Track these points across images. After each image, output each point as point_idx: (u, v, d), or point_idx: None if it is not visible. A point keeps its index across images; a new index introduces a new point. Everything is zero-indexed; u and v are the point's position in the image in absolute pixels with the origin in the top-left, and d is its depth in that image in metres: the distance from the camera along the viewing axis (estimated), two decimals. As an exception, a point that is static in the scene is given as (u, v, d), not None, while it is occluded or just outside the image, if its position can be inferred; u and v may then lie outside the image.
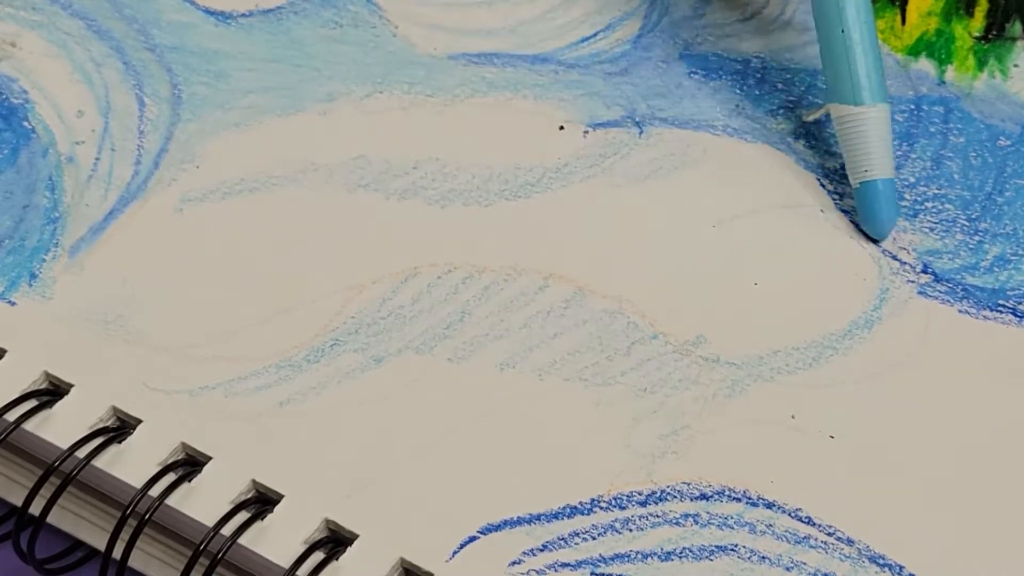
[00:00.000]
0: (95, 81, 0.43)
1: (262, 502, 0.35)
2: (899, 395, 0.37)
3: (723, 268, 0.40)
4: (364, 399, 0.37)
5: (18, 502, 0.36)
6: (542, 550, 0.34)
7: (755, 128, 0.43)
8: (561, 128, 0.42)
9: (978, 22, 0.45)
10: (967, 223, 0.41)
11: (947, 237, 0.41)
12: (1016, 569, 0.34)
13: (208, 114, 0.42)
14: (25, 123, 0.42)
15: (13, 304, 0.38)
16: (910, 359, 0.38)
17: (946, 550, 0.35)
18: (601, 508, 0.35)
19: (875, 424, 0.37)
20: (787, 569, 0.34)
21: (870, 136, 0.40)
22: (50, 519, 0.35)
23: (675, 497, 0.35)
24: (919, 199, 0.41)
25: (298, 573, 0.33)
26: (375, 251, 0.40)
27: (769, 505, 0.35)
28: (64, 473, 0.35)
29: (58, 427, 0.36)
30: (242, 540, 0.34)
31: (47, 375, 0.37)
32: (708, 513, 0.35)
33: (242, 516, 0.34)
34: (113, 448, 0.35)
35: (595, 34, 0.45)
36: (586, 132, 0.42)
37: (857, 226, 0.41)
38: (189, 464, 0.35)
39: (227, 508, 0.34)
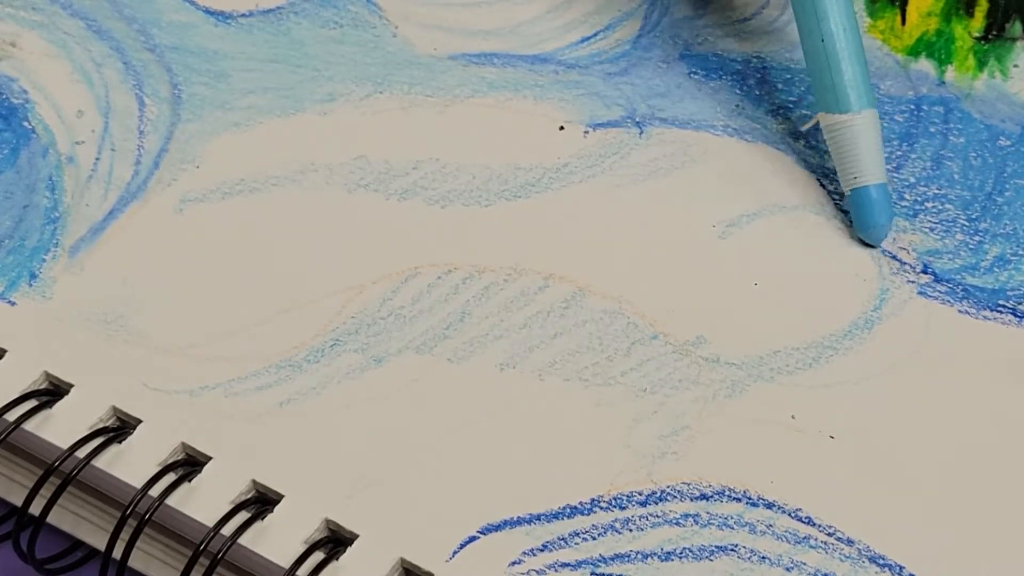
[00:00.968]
0: (95, 81, 0.43)
1: (262, 502, 0.35)
2: (899, 395, 0.37)
3: (723, 268, 0.40)
4: (364, 399, 0.37)
5: (18, 502, 0.36)
6: (542, 550, 0.34)
7: (755, 128, 0.43)
8: (561, 128, 0.42)
9: (978, 22, 0.45)
10: (967, 223, 0.41)
11: (947, 237, 0.41)
12: (1016, 569, 0.34)
13: (208, 114, 0.42)
14: (25, 123, 0.42)
15: (13, 304, 0.38)
16: (910, 359, 0.38)
17: (946, 550, 0.35)
18: (601, 508, 0.35)
19: (875, 424, 0.37)
20: (787, 569, 0.34)
21: (859, 142, 0.40)
22: (50, 519, 0.35)
23: (675, 497, 0.35)
24: (919, 199, 0.41)
25: (298, 573, 0.33)
26: (375, 251, 0.39)
27: (769, 505, 0.35)
28: (64, 473, 0.34)
29: (58, 427, 0.36)
30: (242, 540, 0.34)
31: (47, 375, 0.37)
32: (708, 513, 0.35)
33: (242, 516, 0.34)
34: (113, 448, 0.35)
35: (595, 34, 0.45)
36: (586, 132, 0.42)
37: (857, 226, 0.41)
38: (189, 464, 0.35)
39: (227, 508, 0.34)
